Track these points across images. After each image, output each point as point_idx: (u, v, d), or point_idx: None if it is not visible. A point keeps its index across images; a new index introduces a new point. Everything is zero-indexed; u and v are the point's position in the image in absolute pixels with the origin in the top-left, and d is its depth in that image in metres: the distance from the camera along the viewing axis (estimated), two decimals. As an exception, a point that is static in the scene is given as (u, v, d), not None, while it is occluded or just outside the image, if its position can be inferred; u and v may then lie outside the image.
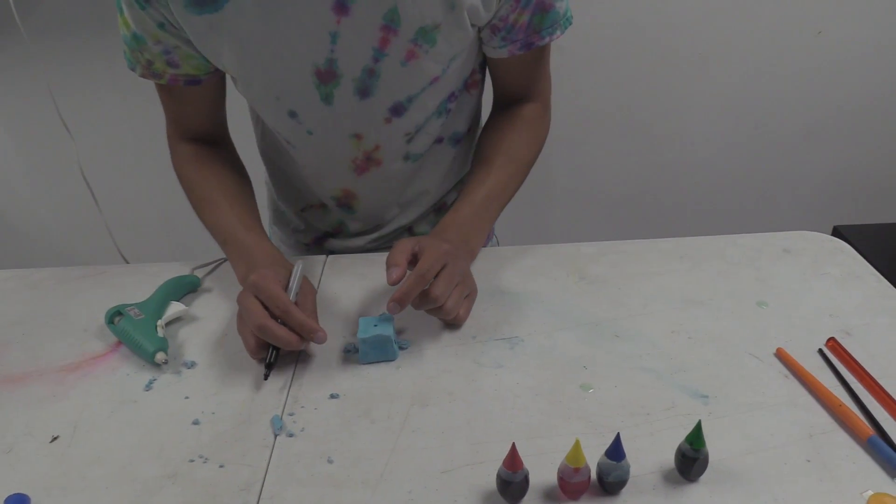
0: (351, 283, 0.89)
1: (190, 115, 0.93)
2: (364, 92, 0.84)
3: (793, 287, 0.84)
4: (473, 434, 0.65)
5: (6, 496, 0.61)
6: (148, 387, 0.74)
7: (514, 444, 0.55)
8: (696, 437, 0.58)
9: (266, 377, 0.72)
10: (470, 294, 0.81)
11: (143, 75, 0.86)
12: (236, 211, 0.88)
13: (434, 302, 0.73)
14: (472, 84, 0.94)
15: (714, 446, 0.60)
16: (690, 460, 0.58)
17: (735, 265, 0.88)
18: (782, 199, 2.16)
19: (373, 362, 0.75)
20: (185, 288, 0.89)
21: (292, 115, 0.88)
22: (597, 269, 0.88)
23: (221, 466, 0.64)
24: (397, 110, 0.87)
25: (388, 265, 0.74)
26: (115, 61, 1.81)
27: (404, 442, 0.65)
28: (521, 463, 0.56)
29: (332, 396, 0.71)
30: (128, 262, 1.09)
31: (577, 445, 0.55)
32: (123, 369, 0.77)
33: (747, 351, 0.74)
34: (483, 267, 0.89)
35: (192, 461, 0.65)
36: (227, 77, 0.91)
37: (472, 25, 0.81)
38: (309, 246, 1.11)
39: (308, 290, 0.80)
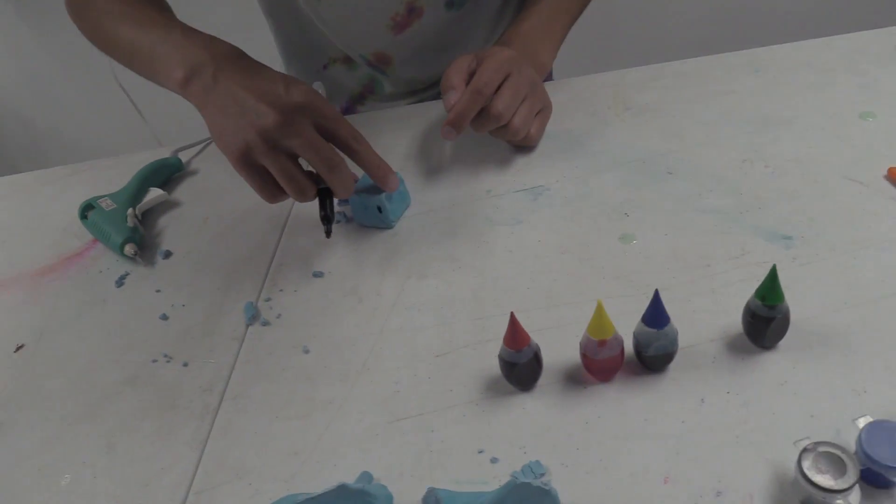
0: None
1: None
2: None
3: (911, 90, 0.64)
4: (480, 307, 0.52)
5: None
6: (119, 283, 0.65)
7: (512, 315, 0.42)
8: (770, 290, 0.42)
9: (329, 234, 0.58)
10: (543, 109, 0.66)
11: None
12: (159, 16, 0.64)
13: (497, 120, 0.60)
14: None
15: (798, 302, 0.45)
16: (763, 321, 0.43)
17: (829, 72, 0.68)
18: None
19: (367, 226, 0.62)
20: (167, 172, 0.77)
21: None
22: (645, 97, 0.70)
23: (185, 365, 0.54)
24: None
25: (444, 88, 0.60)
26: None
27: (394, 322, 0.52)
28: (527, 338, 0.42)
29: (316, 275, 0.59)
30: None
31: (599, 310, 0.41)
32: (97, 267, 0.68)
33: (846, 175, 0.56)
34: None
35: (154, 361, 0.55)
36: None
37: None
38: None
39: None
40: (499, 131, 0.62)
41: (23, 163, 2.21)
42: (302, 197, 0.56)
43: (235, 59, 0.57)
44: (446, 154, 0.69)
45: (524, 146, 0.66)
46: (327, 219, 0.57)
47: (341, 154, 0.55)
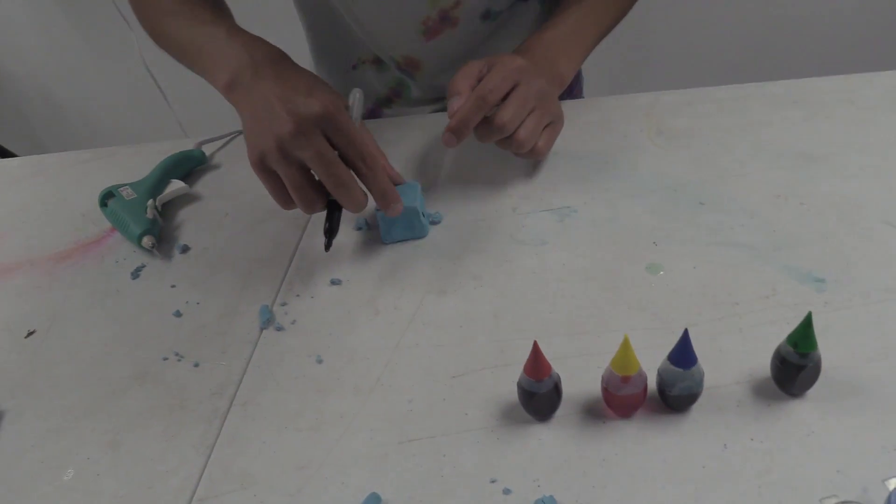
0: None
1: None
2: None
3: (955, 134, 0.62)
4: (500, 329, 0.51)
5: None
6: (135, 275, 0.64)
7: (535, 344, 0.40)
8: (803, 337, 0.40)
9: (329, 247, 0.57)
10: (553, 123, 0.63)
11: None
12: (210, 15, 0.65)
13: (500, 131, 0.57)
14: None
15: (829, 349, 0.43)
16: (793, 368, 0.41)
17: (871, 109, 0.66)
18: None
19: (398, 241, 0.61)
20: (189, 164, 0.77)
21: None
22: (679, 122, 0.68)
23: (196, 365, 0.53)
24: None
25: (450, 93, 0.59)
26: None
27: (411, 338, 0.51)
28: (549, 368, 0.41)
29: (334, 282, 0.58)
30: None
31: (625, 345, 0.40)
32: (114, 256, 0.67)
33: (885, 219, 0.54)
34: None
35: (165, 359, 0.54)
36: None
37: None
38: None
39: (368, 135, 0.61)
40: (504, 142, 0.60)
41: (49, 142, 2.22)
42: (309, 209, 0.55)
43: (275, 62, 0.57)
44: (472, 167, 0.68)
45: (532, 158, 0.64)
46: (330, 231, 0.56)
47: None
